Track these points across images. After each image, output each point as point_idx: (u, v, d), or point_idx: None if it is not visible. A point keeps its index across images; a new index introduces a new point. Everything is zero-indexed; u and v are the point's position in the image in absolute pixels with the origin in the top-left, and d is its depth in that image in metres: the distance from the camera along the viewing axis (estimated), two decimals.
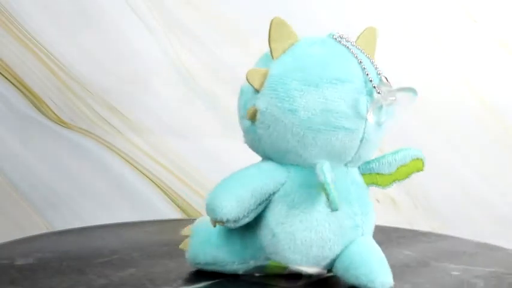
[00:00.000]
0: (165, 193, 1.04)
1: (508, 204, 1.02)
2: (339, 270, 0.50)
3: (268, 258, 0.52)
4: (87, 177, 1.04)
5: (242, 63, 1.02)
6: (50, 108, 1.03)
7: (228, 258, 0.53)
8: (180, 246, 0.56)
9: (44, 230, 1.02)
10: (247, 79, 0.50)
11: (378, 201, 1.02)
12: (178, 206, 1.04)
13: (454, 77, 1.02)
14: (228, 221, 0.48)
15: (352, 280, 0.49)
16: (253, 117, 0.50)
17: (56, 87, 1.02)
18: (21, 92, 1.02)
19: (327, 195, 0.47)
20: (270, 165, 0.51)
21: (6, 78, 1.02)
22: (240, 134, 0.61)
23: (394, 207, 1.02)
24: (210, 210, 0.48)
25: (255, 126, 0.51)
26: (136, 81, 1.03)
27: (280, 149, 0.50)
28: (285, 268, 0.52)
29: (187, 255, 0.55)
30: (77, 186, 1.04)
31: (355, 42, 0.52)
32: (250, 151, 0.63)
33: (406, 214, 1.03)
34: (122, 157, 1.04)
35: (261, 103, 0.49)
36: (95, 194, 1.03)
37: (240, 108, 0.53)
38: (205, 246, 0.54)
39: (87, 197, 1.03)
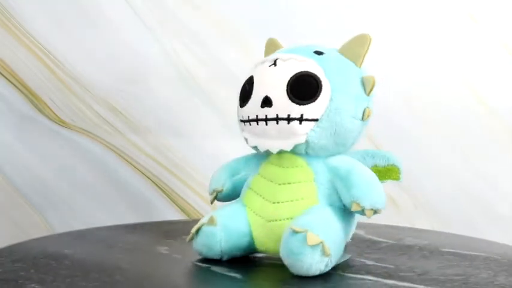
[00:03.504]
0: (165, 193, 1.04)
1: (508, 204, 1.02)
2: None
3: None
4: (87, 177, 1.04)
5: (242, 63, 1.03)
6: (50, 108, 1.03)
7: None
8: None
9: (44, 230, 1.02)
10: (372, 86, 0.58)
11: None
12: (178, 206, 1.04)
13: (454, 78, 1.02)
14: None
15: None
16: (366, 117, 0.59)
17: (56, 87, 1.02)
18: (21, 92, 1.02)
19: (400, 172, 0.61)
20: None
21: (6, 78, 1.02)
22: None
23: (394, 207, 1.02)
24: (383, 203, 0.56)
25: (362, 125, 0.59)
26: (136, 81, 1.03)
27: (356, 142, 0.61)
28: None
29: (328, 260, 0.53)
30: (77, 186, 1.04)
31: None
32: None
33: (406, 214, 1.03)
34: (122, 157, 1.04)
35: (371, 104, 0.59)
36: (95, 194, 1.03)
37: (350, 110, 0.58)
38: (342, 244, 0.57)
39: (87, 197, 1.03)
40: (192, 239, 0.59)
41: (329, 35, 0.96)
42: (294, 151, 0.58)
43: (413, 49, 1.02)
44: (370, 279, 0.54)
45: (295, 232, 0.52)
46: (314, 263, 0.52)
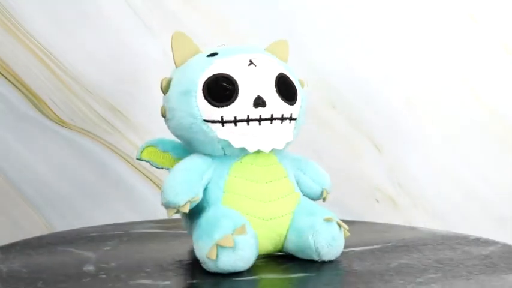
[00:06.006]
0: None
1: (508, 204, 1.02)
2: None
3: None
4: (87, 177, 1.03)
5: None
6: (50, 108, 1.03)
7: None
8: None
9: (44, 230, 1.02)
10: (303, 87, 0.62)
11: (377, 201, 1.02)
12: None
13: (454, 78, 1.02)
14: None
15: None
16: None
17: (56, 87, 1.02)
18: (21, 92, 1.02)
19: None
20: None
21: (6, 78, 1.02)
22: None
23: (394, 207, 1.02)
24: None
25: None
26: (136, 81, 1.03)
27: None
28: None
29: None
30: (77, 186, 1.03)
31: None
32: None
33: (406, 214, 1.03)
34: (122, 157, 1.03)
35: None
36: (95, 194, 1.03)
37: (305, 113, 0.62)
38: None
39: (87, 197, 1.03)
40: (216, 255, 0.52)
41: (329, 35, 0.97)
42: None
43: (413, 49, 1.02)
44: (376, 247, 0.63)
45: (329, 221, 0.57)
46: (342, 245, 0.59)
